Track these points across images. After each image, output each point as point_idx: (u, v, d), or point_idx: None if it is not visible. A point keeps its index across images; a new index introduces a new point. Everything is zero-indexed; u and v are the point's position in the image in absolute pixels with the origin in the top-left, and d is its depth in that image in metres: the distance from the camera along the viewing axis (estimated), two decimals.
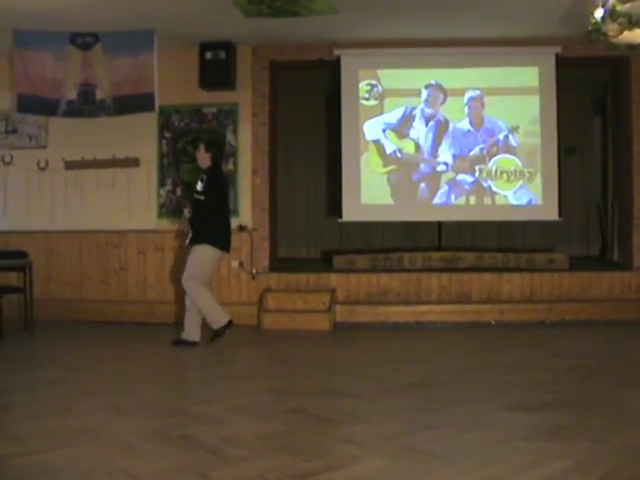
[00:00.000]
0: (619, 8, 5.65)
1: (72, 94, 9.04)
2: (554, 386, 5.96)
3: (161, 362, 7.26)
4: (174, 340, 7.99)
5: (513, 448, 4.27)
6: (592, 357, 7.27)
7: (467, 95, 10.13)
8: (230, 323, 7.99)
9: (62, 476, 3.89)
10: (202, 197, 7.92)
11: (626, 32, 5.68)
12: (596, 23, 5.83)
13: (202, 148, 8.17)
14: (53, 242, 10.19)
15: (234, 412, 5.18)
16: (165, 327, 9.27)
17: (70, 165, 10.15)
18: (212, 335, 7.99)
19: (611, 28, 5.72)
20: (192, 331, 7.92)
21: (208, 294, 8.01)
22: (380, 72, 10.23)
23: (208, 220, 7.92)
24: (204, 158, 8.12)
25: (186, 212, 8.14)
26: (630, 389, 5.93)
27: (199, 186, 7.99)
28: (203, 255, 7.92)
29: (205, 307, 7.92)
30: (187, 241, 8.08)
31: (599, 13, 5.77)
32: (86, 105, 9.02)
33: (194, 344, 7.88)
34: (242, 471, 3.93)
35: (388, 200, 10.19)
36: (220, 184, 8.17)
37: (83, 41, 8.84)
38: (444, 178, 10.12)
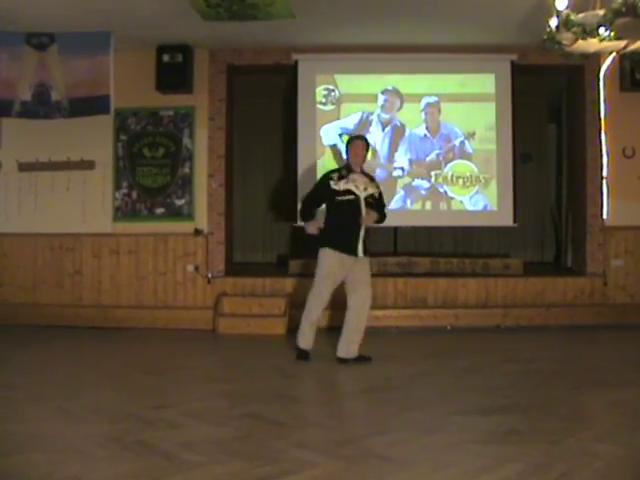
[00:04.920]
0: (573, 18, 5.71)
1: (27, 95, 8.90)
2: (508, 390, 6.00)
3: (115, 367, 7.18)
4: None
5: (468, 452, 4.29)
6: (546, 361, 7.34)
7: (424, 101, 10.18)
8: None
9: None
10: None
11: (580, 41, 5.74)
12: (551, 32, 5.89)
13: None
14: (6, 245, 10.05)
15: (189, 417, 5.15)
16: (119, 331, 9.21)
17: (24, 167, 10.02)
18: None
19: (565, 37, 5.78)
20: None
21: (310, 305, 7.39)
22: (337, 77, 10.25)
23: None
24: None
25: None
26: (583, 392, 6.00)
27: None
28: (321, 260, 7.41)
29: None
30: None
31: (554, 22, 5.83)
32: (41, 106, 8.90)
33: None
34: (197, 476, 3.92)
35: None
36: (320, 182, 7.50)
37: (39, 41, 8.74)
38: (400, 183, 10.16)
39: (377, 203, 7.40)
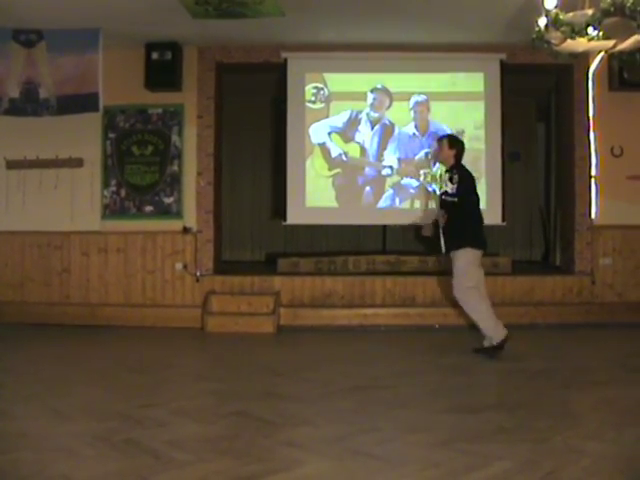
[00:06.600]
0: (562, 17, 5.73)
1: (15, 92, 8.88)
2: (496, 388, 6.02)
3: (104, 365, 7.16)
4: (476, 348, 7.45)
5: (455, 450, 4.29)
6: (534, 360, 7.35)
7: (413, 100, 10.19)
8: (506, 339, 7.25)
9: None
10: (455, 199, 7.20)
11: (569, 40, 5.76)
12: (540, 31, 5.91)
13: (446, 144, 7.55)
14: None
15: (177, 415, 5.14)
16: (108, 330, 9.19)
17: (12, 164, 9.98)
18: (479, 348, 7.41)
19: (554, 36, 5.80)
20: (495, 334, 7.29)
21: (485, 303, 7.36)
22: (327, 75, 10.25)
23: (465, 222, 7.30)
24: (448, 155, 7.52)
25: (441, 219, 7.37)
26: (570, 390, 6.02)
27: (449, 188, 7.24)
28: (467, 260, 7.31)
29: (481, 318, 7.32)
30: (443, 249, 7.49)
31: (543, 21, 5.85)
32: (29, 104, 8.87)
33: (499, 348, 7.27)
34: (185, 475, 3.91)
35: (333, 203, 10.20)
36: (469, 182, 7.40)
37: (26, 38, 8.70)
38: (389, 182, 10.17)
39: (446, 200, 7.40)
